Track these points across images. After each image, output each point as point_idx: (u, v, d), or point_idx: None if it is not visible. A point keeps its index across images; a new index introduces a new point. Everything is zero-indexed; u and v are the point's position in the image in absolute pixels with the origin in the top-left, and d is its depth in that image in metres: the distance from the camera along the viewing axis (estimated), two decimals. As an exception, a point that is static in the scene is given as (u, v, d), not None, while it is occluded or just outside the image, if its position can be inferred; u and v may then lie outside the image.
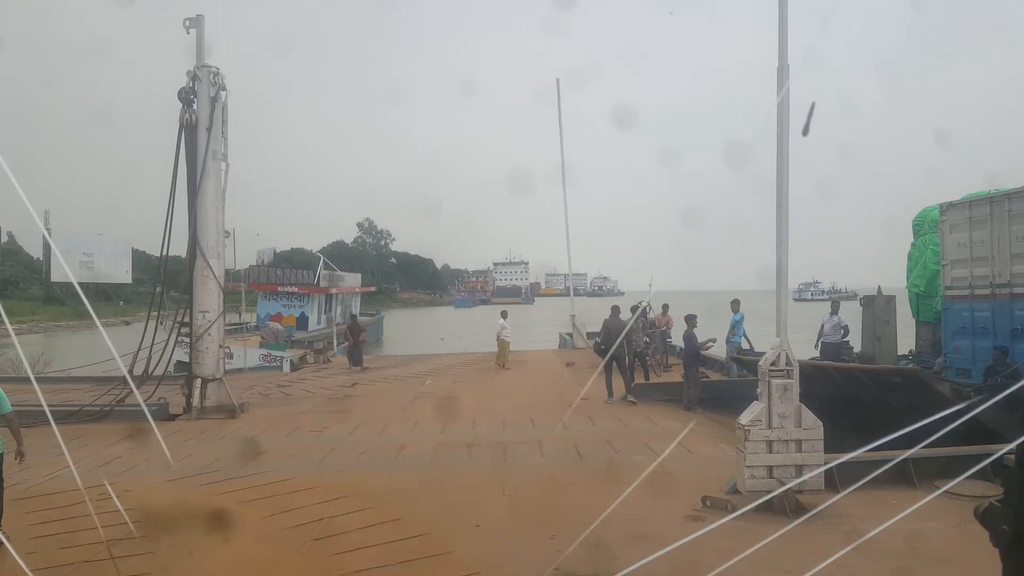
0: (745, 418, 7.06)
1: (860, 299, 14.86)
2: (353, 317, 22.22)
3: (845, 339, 15.77)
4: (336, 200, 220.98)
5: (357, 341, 21.38)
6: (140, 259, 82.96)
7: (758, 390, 7.12)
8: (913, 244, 16.04)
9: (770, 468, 7.02)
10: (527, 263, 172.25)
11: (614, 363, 13.62)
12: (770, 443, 6.98)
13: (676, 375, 16.58)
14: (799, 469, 7.01)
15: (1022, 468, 1.39)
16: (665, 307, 18.79)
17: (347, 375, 19.35)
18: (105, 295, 73.27)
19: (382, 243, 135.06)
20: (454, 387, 16.82)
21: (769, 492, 6.82)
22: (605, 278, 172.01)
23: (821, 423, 7.03)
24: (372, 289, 58.24)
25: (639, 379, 15.11)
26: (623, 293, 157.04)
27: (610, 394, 13.82)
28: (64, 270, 62.56)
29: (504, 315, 20.96)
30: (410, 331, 57.37)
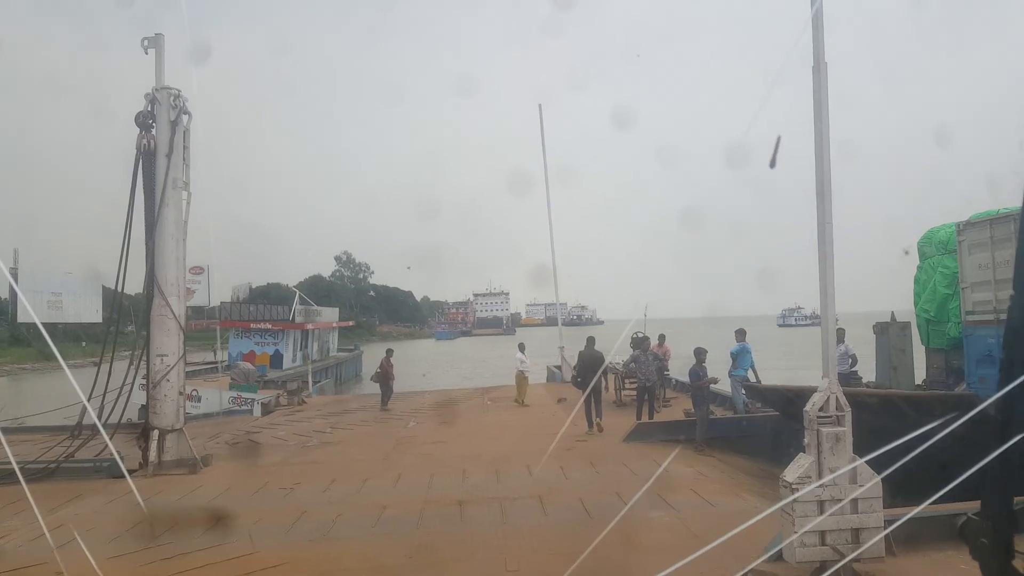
0: (791, 474, 6.00)
1: (874, 326, 13.97)
2: (388, 351, 20.58)
3: (853, 368, 14.88)
4: (314, 234, 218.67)
5: (387, 383, 19.86)
6: (109, 296, 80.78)
7: (804, 440, 6.08)
8: (920, 267, 15.26)
9: (822, 534, 5.94)
10: (507, 294, 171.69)
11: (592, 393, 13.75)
12: (821, 503, 5.91)
13: (677, 410, 15.56)
14: (855, 534, 5.95)
15: (997, 484, 1.38)
16: (662, 337, 17.79)
17: (322, 419, 18.04)
18: (75, 335, 70.83)
19: (360, 276, 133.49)
20: (440, 430, 15.60)
21: (823, 563, 5.78)
22: (583, 307, 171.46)
23: (879, 477, 5.99)
24: (350, 324, 56.88)
25: (645, 418, 14.06)
26: (603, 322, 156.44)
27: (589, 424, 13.71)
28: (29, 311, 60.36)
29: (522, 348, 19.77)
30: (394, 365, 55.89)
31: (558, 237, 26.09)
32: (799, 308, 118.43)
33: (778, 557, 6.35)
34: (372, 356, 60.31)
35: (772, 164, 5.81)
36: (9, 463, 11.87)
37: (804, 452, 6.10)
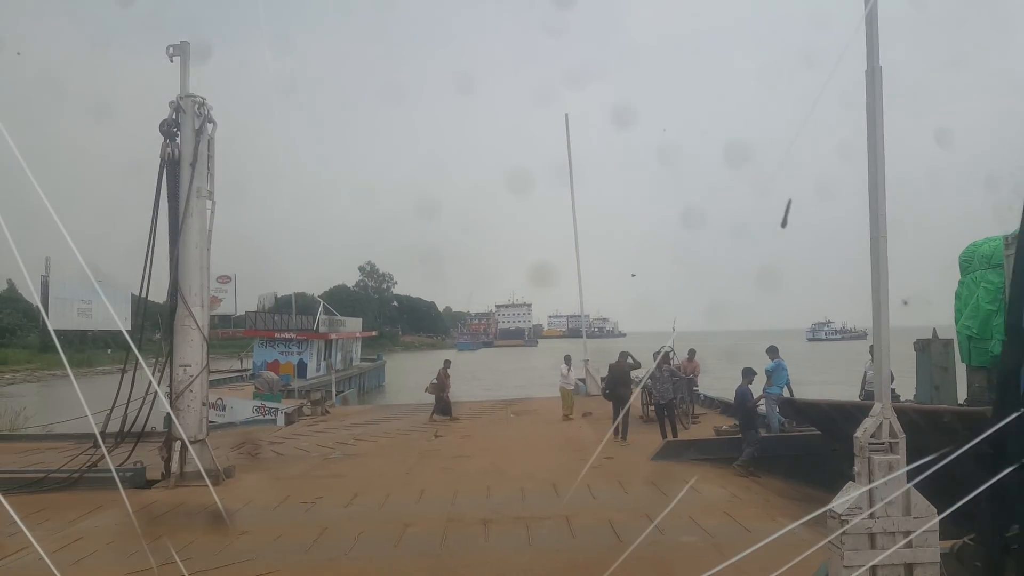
0: (841, 505, 5.62)
1: (915, 343, 13.46)
2: (446, 362, 20.22)
3: (891, 387, 14.37)
4: (339, 244, 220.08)
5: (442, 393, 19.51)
6: (138, 305, 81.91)
7: (855, 469, 5.71)
8: (961, 282, 14.71)
9: (874, 570, 5.56)
10: (530, 305, 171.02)
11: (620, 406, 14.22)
12: (872, 537, 5.54)
13: (706, 427, 15.14)
14: (909, 569, 5.57)
15: (990, 513, 1.36)
16: (691, 352, 17.39)
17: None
18: (104, 343, 71.91)
19: (384, 287, 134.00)
20: (463, 443, 15.33)
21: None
22: (605, 319, 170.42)
23: (935, 509, 5.60)
24: (374, 334, 57.03)
25: (668, 435, 13.68)
26: (624, 334, 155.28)
27: (622, 435, 13.95)
28: (61, 318, 61.48)
29: (568, 361, 19.08)
30: (413, 376, 55.79)
31: (580, 248, 25.62)
32: (829, 322, 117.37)
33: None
34: (394, 367, 60.34)
35: (784, 224, 5.93)
36: (35, 472, 11.94)
37: (853, 480, 5.74)
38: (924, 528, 5.58)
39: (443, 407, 18.94)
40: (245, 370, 36.39)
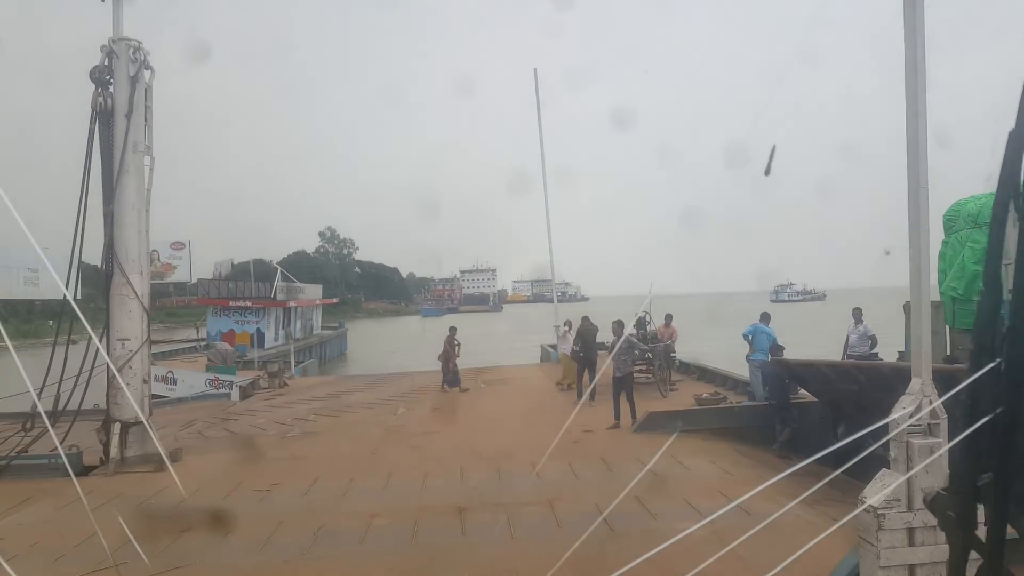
0: (875, 496, 4.90)
1: (904, 305, 12.97)
2: (451, 329, 18.85)
3: (873, 351, 13.93)
4: (298, 209, 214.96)
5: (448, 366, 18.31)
6: (91, 274, 78.86)
7: (891, 454, 4.99)
8: (945, 242, 14.26)
9: (911, 568, 4.88)
10: (494, 270, 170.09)
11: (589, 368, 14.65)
12: (911, 532, 4.85)
13: (686, 396, 14.55)
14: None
15: (963, 459, 1.45)
16: (668, 317, 16.72)
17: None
18: (53, 312, 68.99)
19: (346, 252, 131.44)
20: (432, 417, 14.50)
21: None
22: (567, 284, 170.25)
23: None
24: (335, 301, 55.51)
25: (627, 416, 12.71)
26: (587, 298, 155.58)
27: (579, 395, 14.35)
28: (7, 287, 58.62)
29: (568, 325, 18.17)
30: (377, 343, 54.71)
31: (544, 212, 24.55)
32: (791, 284, 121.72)
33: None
34: (357, 334, 59.07)
35: (767, 172, 5.97)
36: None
37: (888, 468, 5.02)
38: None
39: (451, 378, 17.82)
40: (199, 340, 34.88)
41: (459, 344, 17.90)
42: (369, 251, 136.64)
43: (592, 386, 14.66)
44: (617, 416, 12.26)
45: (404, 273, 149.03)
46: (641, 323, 16.64)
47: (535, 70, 24.35)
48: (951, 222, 14.13)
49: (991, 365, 1.43)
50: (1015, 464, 1.33)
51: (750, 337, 13.71)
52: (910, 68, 4.97)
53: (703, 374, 16.97)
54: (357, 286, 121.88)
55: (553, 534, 7.26)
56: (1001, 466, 1.36)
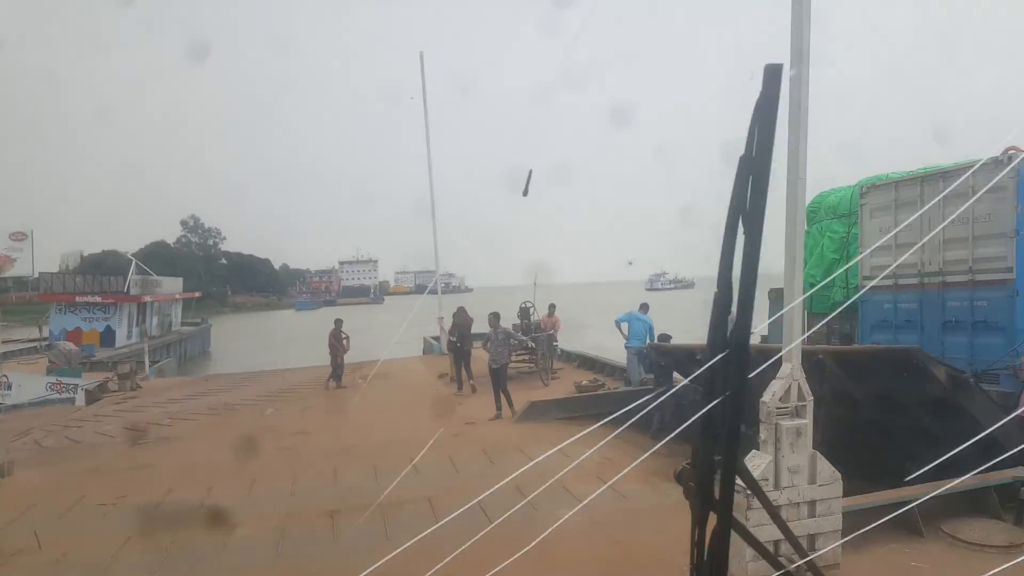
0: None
1: (768, 292, 13.69)
2: (338, 321, 17.75)
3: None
4: (158, 198, 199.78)
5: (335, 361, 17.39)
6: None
7: (760, 436, 5.10)
8: (807, 232, 15.23)
9: (776, 543, 5.01)
10: (376, 261, 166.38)
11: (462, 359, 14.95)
12: (778, 509, 4.97)
13: (566, 383, 14.69)
14: (811, 540, 5.10)
15: (703, 434, 1.64)
16: (552, 307, 16.84)
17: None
18: None
19: (211, 243, 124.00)
20: (304, 417, 13.76)
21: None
22: (451, 275, 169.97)
23: (839, 474, 5.15)
24: (197, 295, 52.08)
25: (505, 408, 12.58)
26: (471, 289, 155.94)
27: (459, 384, 14.84)
28: None
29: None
30: (246, 340, 51.98)
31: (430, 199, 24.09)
32: (664, 273, 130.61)
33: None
34: (223, 331, 55.81)
35: (525, 193, 6.55)
36: None
37: (759, 449, 5.14)
38: (828, 496, 5.14)
39: (338, 373, 17.05)
40: (41, 339, 31.62)
41: (348, 337, 17.23)
42: (238, 241, 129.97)
43: (467, 377, 14.85)
44: (498, 407, 12.15)
45: (276, 264, 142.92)
46: (525, 313, 16.67)
47: (421, 53, 23.75)
48: (813, 213, 15.08)
49: (722, 354, 1.60)
50: (739, 437, 1.58)
51: (623, 325, 14.01)
52: (795, 61, 5.07)
53: (583, 362, 17.26)
54: (224, 279, 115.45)
55: (434, 533, 6.97)
56: (730, 439, 1.55)
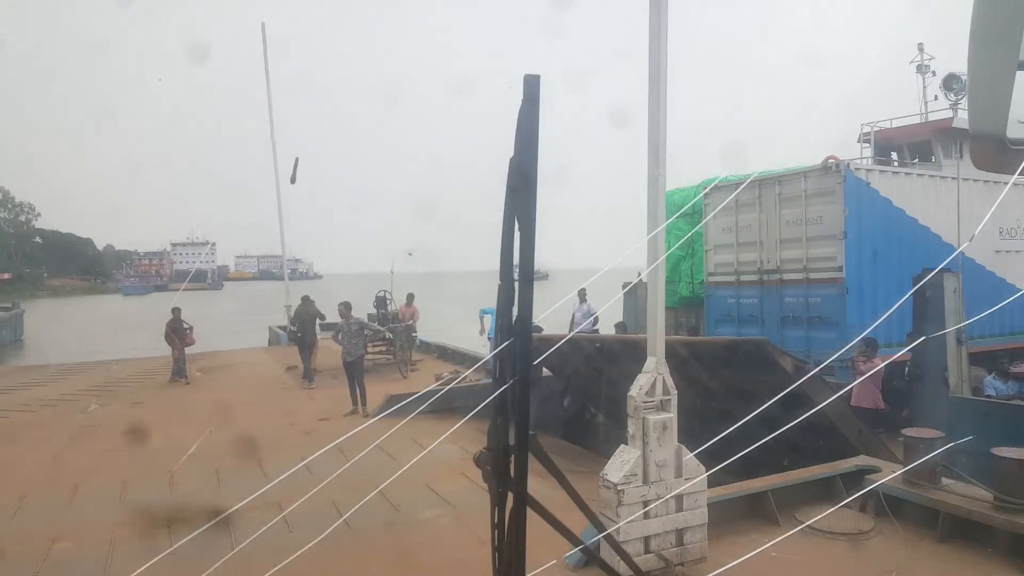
0: (615, 473, 5.04)
1: (623, 286, 14.20)
2: (176, 310, 15.80)
3: (595, 328, 15.13)
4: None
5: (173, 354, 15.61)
6: None
7: (629, 431, 5.15)
8: (658, 229, 16.00)
9: (646, 539, 5.11)
10: (214, 244, 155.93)
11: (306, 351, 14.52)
12: (646, 504, 5.07)
13: (426, 375, 14.40)
14: (680, 535, 5.23)
15: (497, 419, 1.68)
16: (410, 297, 16.44)
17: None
18: None
19: (23, 219, 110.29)
20: (134, 413, 12.49)
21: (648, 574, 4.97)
22: (298, 260, 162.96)
23: (704, 468, 5.32)
24: (6, 276, 46.06)
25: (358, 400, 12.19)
26: (320, 276, 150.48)
27: (306, 378, 14.46)
28: None
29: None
30: (66, 327, 46.86)
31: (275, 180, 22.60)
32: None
33: (584, 563, 5.41)
34: (38, 316, 49.99)
35: (292, 181, 6.77)
36: None
37: (627, 444, 5.19)
38: (695, 489, 5.29)
39: (176, 367, 15.56)
40: None
41: (190, 327, 15.81)
42: (55, 218, 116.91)
43: (309, 368, 14.45)
44: (354, 402, 11.67)
45: (100, 245, 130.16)
46: (382, 302, 16.18)
47: (263, 24, 22.28)
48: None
49: (507, 343, 1.66)
50: (528, 418, 1.62)
51: (486, 318, 13.99)
52: (653, 66, 5.12)
53: (443, 353, 17.04)
54: (39, 259, 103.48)
55: (283, 541, 6.51)
56: (521, 421, 1.61)
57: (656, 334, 5.18)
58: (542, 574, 5.40)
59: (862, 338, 8.16)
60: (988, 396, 8.26)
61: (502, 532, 1.74)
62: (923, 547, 5.67)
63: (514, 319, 1.68)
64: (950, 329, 7.67)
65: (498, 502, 1.75)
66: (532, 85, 1.56)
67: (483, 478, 1.79)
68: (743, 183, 11.36)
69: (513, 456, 1.67)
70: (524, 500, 1.69)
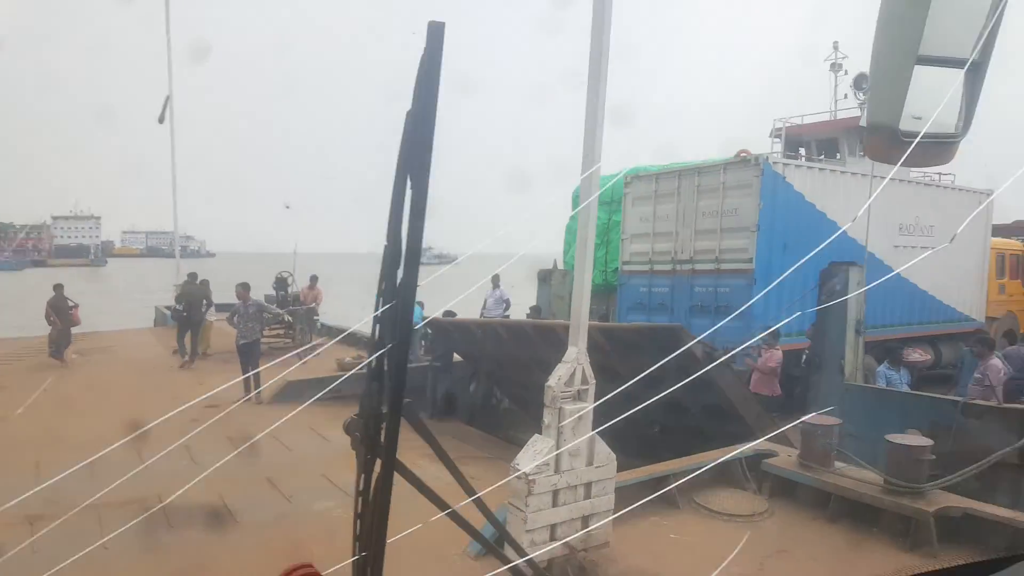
0: (527, 462, 4.83)
1: (538, 273, 14.11)
2: (58, 287, 14.50)
3: (506, 313, 15.01)
4: None
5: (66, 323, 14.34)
6: None
7: (544, 421, 4.95)
8: (573, 217, 15.98)
9: (553, 527, 4.95)
10: (99, 218, 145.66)
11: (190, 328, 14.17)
12: (556, 493, 4.90)
13: (328, 360, 13.77)
14: (585, 521, 5.10)
15: (369, 386, 1.67)
16: (313, 279, 15.69)
17: None
18: None
19: None
20: (-4, 399, 11.29)
21: (550, 561, 4.82)
22: (190, 237, 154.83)
23: (614, 456, 5.20)
24: None
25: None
26: (213, 254, 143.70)
27: (183, 354, 14.11)
28: None
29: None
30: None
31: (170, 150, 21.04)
32: (430, 247, 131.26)
33: (484, 555, 5.20)
34: None
35: (161, 120, 6.70)
36: None
37: (541, 433, 4.99)
38: (604, 477, 5.18)
39: (54, 349, 14.38)
40: None
41: (76, 306, 14.56)
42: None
43: (180, 349, 14.18)
44: (247, 388, 10.98)
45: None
46: (282, 284, 15.39)
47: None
48: (578, 200, 15.85)
49: (386, 306, 1.63)
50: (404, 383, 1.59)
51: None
52: (594, 54, 4.92)
53: (347, 337, 16.41)
54: None
55: (162, 537, 5.97)
56: (396, 385, 1.58)
57: (580, 323, 5.01)
58: (446, 565, 5.17)
59: (771, 331, 8.35)
60: (880, 384, 8.66)
61: (366, 498, 1.66)
62: (813, 527, 5.84)
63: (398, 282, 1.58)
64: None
65: (363, 469, 1.65)
66: (436, 33, 1.46)
67: (351, 445, 1.68)
68: (661, 173, 11.45)
69: (384, 423, 1.58)
70: (392, 466, 1.59)
